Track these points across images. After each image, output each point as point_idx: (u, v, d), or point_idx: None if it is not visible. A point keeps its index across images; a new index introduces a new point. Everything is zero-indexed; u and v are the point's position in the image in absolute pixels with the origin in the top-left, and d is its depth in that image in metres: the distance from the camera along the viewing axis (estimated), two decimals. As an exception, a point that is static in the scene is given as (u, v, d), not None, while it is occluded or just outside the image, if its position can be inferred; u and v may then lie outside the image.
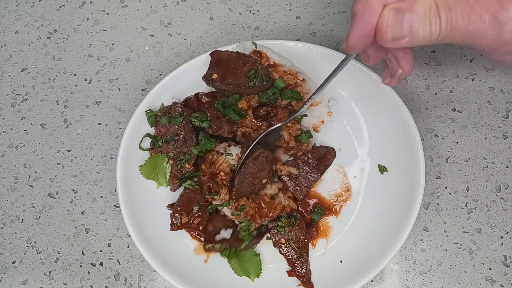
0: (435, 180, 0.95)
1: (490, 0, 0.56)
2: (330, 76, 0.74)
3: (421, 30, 0.59)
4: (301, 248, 0.87)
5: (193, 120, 0.90)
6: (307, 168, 0.91)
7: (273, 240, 0.88)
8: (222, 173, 0.87)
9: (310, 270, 0.87)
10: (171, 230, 0.88)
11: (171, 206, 0.91)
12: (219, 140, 0.91)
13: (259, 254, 0.90)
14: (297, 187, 0.90)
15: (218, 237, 0.86)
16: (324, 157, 0.92)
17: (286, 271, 0.88)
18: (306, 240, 0.88)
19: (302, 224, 0.88)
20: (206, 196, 0.88)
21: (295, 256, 0.86)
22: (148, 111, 0.92)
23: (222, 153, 0.87)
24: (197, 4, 1.12)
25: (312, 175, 0.91)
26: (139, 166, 0.91)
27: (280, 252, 0.87)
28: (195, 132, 0.90)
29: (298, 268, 0.86)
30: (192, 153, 0.89)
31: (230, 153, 0.87)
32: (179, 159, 0.89)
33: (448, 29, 0.58)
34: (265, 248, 0.90)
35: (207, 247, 0.85)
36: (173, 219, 0.88)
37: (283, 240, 0.87)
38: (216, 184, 0.87)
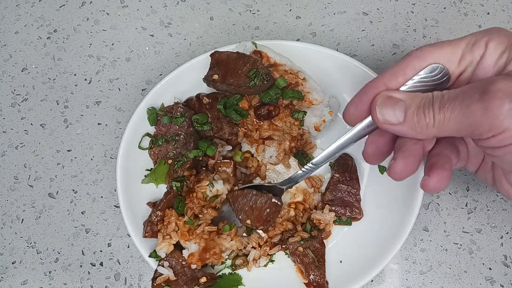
0: (435, 180, 0.95)
1: (478, 82, 0.58)
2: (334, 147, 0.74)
3: (415, 116, 0.62)
4: (319, 258, 0.85)
5: (195, 124, 0.90)
6: (343, 186, 0.89)
7: (290, 249, 0.86)
8: (195, 194, 0.85)
9: (327, 282, 0.85)
10: (143, 237, 0.86)
11: (153, 204, 0.90)
12: (220, 143, 0.91)
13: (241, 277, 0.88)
14: (347, 207, 0.88)
15: (160, 270, 0.83)
16: (346, 165, 0.91)
17: (304, 283, 0.86)
18: (323, 250, 0.87)
19: (318, 233, 0.88)
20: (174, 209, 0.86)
21: (312, 266, 0.84)
22: (149, 109, 0.92)
23: (207, 180, 0.86)
24: (197, 4, 1.12)
25: (353, 188, 0.89)
26: (142, 180, 0.91)
27: (297, 261, 0.86)
28: (193, 137, 0.90)
29: (316, 278, 0.84)
30: (188, 157, 0.88)
31: (213, 184, 0.86)
32: (176, 160, 0.89)
33: (441, 115, 0.59)
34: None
35: (154, 285, 0.83)
36: (148, 226, 0.85)
37: (301, 249, 0.85)
38: (183, 202, 0.85)
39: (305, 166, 0.79)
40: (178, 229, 0.84)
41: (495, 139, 0.56)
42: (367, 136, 0.71)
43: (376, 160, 0.73)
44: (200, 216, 0.85)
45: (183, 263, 0.84)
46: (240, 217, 0.84)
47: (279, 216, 0.87)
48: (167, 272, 0.83)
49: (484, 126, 0.55)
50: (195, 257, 0.82)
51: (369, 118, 0.68)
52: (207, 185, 0.86)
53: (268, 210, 0.82)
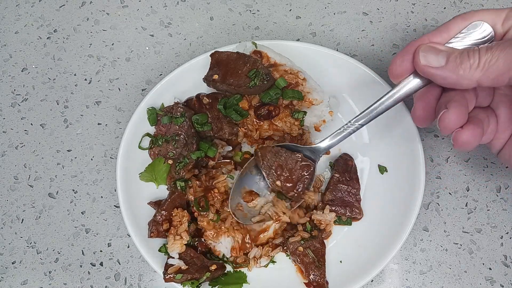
0: (435, 180, 0.95)
1: None
2: (373, 105, 0.74)
3: (458, 58, 0.62)
4: (319, 258, 0.85)
5: (195, 124, 0.90)
6: (343, 186, 0.89)
7: (291, 249, 0.86)
8: (216, 190, 0.86)
9: (327, 282, 0.85)
10: (148, 237, 0.86)
11: (155, 204, 0.90)
12: (220, 144, 0.91)
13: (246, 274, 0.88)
14: (347, 207, 0.88)
15: (170, 261, 0.84)
16: (346, 165, 0.91)
17: (304, 283, 0.86)
18: (323, 249, 0.86)
19: (318, 233, 0.88)
20: (194, 209, 0.87)
21: (312, 266, 0.84)
22: (149, 109, 0.92)
23: (224, 173, 0.87)
24: (197, 4, 1.12)
25: (353, 188, 0.89)
26: (139, 174, 0.91)
27: (297, 261, 0.86)
28: (196, 138, 0.90)
29: (316, 278, 0.84)
30: (191, 158, 0.88)
31: (232, 176, 0.87)
32: (178, 161, 0.89)
33: (488, 55, 0.59)
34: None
35: (166, 277, 0.82)
36: (153, 226, 0.86)
37: (301, 249, 0.85)
38: (206, 201, 0.86)
39: (350, 126, 0.76)
40: (189, 229, 0.86)
41: None
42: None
43: (425, 120, 0.73)
44: (220, 210, 0.86)
45: (191, 254, 0.85)
46: (269, 177, 0.80)
47: (312, 186, 0.83)
48: (177, 263, 0.83)
49: None
50: (238, 249, 0.85)
51: (413, 81, 0.69)
52: (225, 179, 0.86)
53: (300, 172, 0.79)
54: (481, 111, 0.72)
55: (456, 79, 0.62)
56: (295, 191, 0.81)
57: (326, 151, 0.82)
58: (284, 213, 0.84)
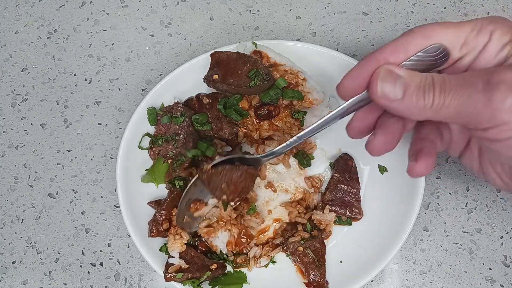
0: (435, 180, 0.95)
1: (481, 71, 0.58)
2: (315, 126, 0.73)
3: (414, 95, 0.60)
4: (319, 258, 0.85)
5: (195, 124, 0.90)
6: (343, 186, 0.89)
7: (291, 249, 0.86)
8: None
9: (327, 282, 0.85)
10: (149, 236, 0.86)
11: (155, 203, 0.90)
12: (220, 144, 0.91)
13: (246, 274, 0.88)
14: (347, 207, 0.88)
15: (171, 261, 0.84)
16: (346, 165, 0.91)
17: (304, 282, 0.86)
18: (323, 249, 0.86)
19: (318, 233, 0.87)
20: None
21: (312, 266, 0.84)
22: (149, 109, 0.92)
23: None
24: (197, 4, 1.12)
25: (353, 188, 0.89)
26: (141, 176, 0.91)
27: (297, 261, 0.86)
28: (192, 136, 0.90)
29: (316, 278, 0.84)
30: (187, 156, 0.88)
31: None
32: (176, 159, 0.89)
33: (441, 99, 0.58)
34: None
35: (167, 276, 0.82)
36: (153, 226, 0.86)
37: (301, 249, 0.85)
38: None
39: (290, 139, 0.77)
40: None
41: (493, 131, 0.56)
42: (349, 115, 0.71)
43: (360, 135, 0.73)
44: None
45: (192, 253, 0.85)
46: (216, 194, 0.82)
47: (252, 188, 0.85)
48: (178, 262, 0.84)
49: (484, 117, 0.55)
50: (233, 244, 0.85)
51: (360, 95, 0.66)
52: None
53: (243, 182, 0.81)
54: (433, 128, 0.72)
55: (408, 114, 0.62)
56: (239, 198, 0.83)
57: (266, 160, 0.83)
58: (230, 217, 0.86)
